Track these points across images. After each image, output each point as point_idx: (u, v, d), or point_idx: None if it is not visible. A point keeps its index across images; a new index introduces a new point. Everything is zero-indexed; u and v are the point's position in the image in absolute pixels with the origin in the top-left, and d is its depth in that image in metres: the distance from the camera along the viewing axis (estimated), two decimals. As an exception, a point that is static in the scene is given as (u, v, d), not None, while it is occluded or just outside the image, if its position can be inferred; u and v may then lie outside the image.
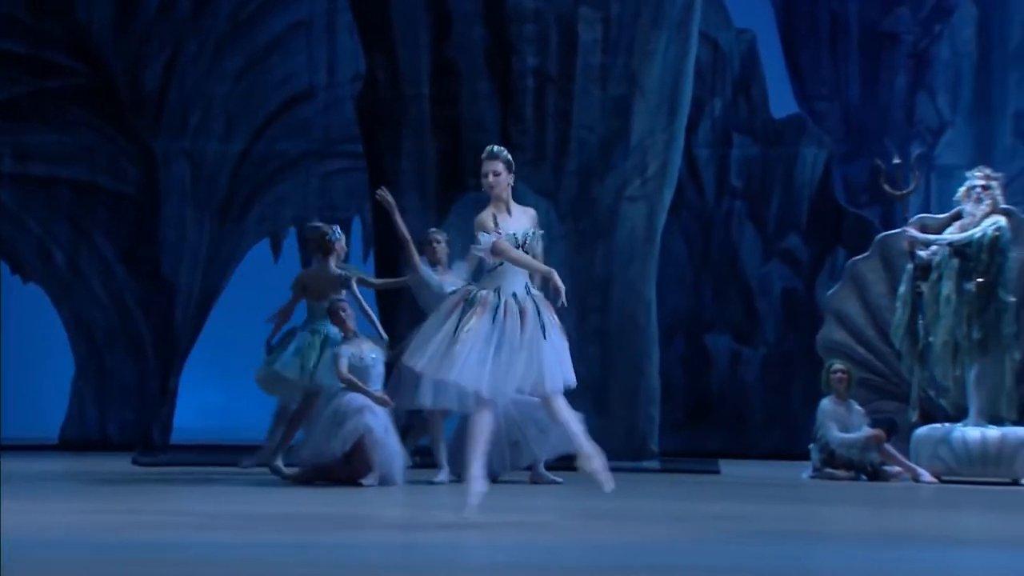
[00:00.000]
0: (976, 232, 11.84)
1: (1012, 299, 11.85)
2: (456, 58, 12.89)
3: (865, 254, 13.33)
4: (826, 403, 12.44)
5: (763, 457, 15.34)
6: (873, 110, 17.59)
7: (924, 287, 12.09)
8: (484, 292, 7.22)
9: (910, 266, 12.21)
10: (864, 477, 12.13)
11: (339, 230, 11.15)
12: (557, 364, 7.26)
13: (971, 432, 11.73)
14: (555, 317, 7.30)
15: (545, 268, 7.34)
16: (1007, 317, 11.74)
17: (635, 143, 12.89)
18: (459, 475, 10.63)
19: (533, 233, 7.33)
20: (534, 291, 7.34)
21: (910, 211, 12.68)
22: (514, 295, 7.22)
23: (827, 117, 17.48)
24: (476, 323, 7.09)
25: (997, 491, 10.97)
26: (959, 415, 11.99)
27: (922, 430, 12.13)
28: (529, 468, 10.87)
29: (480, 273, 7.49)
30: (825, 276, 16.20)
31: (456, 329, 7.09)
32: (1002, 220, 11.89)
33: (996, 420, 11.83)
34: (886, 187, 12.41)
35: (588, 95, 12.81)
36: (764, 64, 16.86)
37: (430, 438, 10.80)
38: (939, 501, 10.34)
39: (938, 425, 11.98)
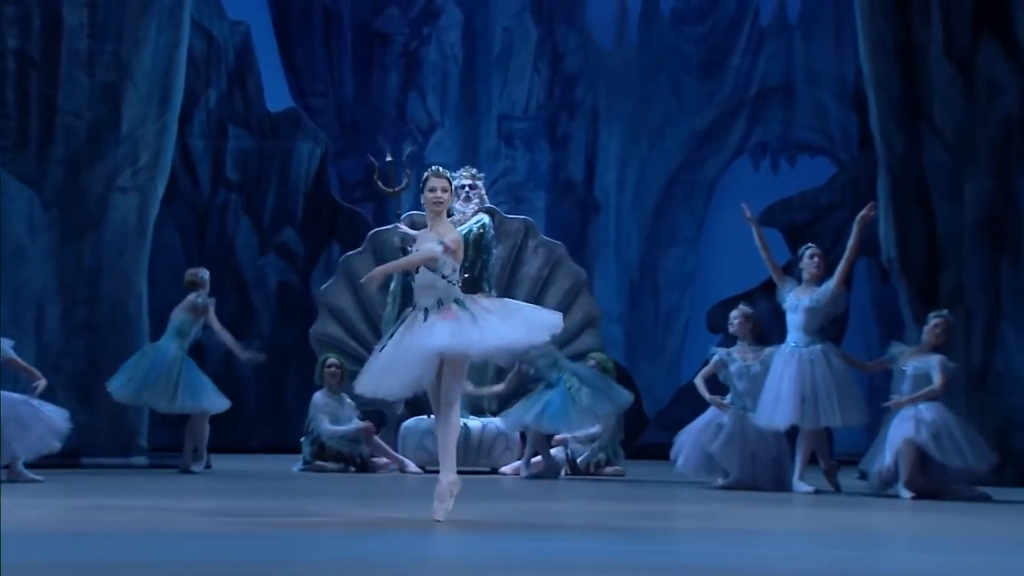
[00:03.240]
0: (463, 229, 12.27)
1: (495, 294, 12.34)
2: (-74, 37, 12.23)
3: (358, 249, 13.57)
4: (319, 396, 12.57)
5: (256, 451, 15.34)
6: (367, 108, 17.91)
7: (415, 282, 12.41)
8: (409, 311, 7.78)
9: (401, 261, 12.51)
10: (353, 469, 12.34)
11: None
12: (491, 329, 7.55)
13: (455, 424, 12.15)
14: (484, 303, 7.76)
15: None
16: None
17: (126, 132, 12.60)
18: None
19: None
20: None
21: (402, 208, 12.99)
22: (425, 310, 7.62)
23: (323, 113, 17.66)
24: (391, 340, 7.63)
25: (477, 480, 11.41)
26: (445, 406, 12.37)
27: (409, 422, 12.47)
28: (8, 466, 10.47)
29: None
30: (320, 270, 16.37)
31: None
32: (487, 218, 12.38)
33: (478, 412, 12.30)
34: (379, 184, 12.65)
35: (74, 81, 12.42)
36: (259, 57, 16.86)
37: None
38: (423, 491, 10.64)
39: (424, 417, 12.35)
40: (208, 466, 12.21)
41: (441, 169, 8.02)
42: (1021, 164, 12.29)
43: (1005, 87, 12.34)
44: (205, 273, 12.31)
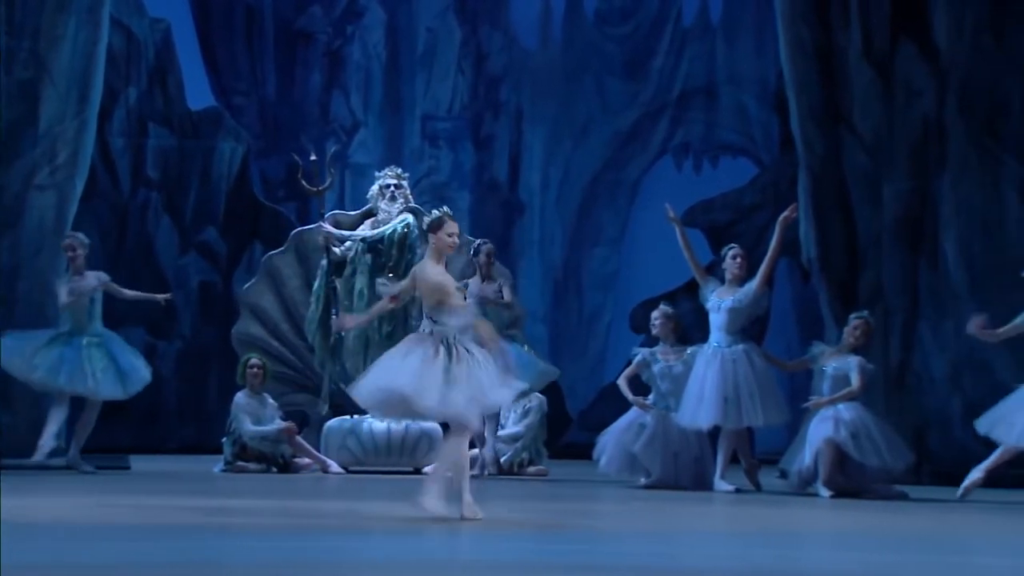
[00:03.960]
0: (388, 229, 12.28)
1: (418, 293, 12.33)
2: None
3: (281, 248, 13.50)
4: (240, 396, 12.49)
5: (177, 451, 15.22)
6: (289, 107, 17.82)
7: (338, 282, 12.39)
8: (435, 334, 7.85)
9: (324, 262, 12.47)
10: (275, 469, 12.28)
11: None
12: (488, 386, 7.81)
13: (378, 424, 12.14)
14: (483, 351, 7.91)
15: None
16: (414, 311, 12.21)
17: (44, 130, 12.46)
18: None
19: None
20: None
21: (326, 207, 12.95)
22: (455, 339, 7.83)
23: (244, 112, 17.54)
24: (434, 359, 7.73)
25: (400, 479, 11.40)
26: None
27: (332, 422, 12.43)
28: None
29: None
30: (242, 270, 16.27)
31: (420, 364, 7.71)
32: (411, 218, 12.38)
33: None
34: (303, 183, 12.61)
35: (-9, 79, 12.29)
36: (180, 55, 16.72)
37: None
38: (345, 491, 10.62)
39: (347, 417, 12.32)
40: (127, 467, 12.11)
41: (452, 213, 8.26)
42: (939, 166, 12.44)
43: (923, 90, 12.48)
44: (71, 240, 11.78)
